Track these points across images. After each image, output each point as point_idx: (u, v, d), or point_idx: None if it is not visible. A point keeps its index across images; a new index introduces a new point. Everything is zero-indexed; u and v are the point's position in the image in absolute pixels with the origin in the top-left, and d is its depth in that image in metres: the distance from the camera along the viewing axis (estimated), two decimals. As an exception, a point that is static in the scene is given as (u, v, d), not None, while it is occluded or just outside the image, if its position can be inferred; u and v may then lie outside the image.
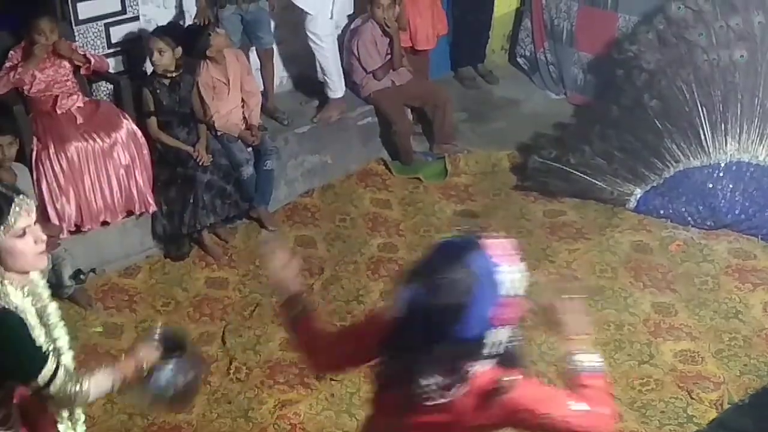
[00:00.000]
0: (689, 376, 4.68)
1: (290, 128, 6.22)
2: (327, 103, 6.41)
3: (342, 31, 6.66)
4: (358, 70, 6.50)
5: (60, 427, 2.91)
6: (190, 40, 5.52)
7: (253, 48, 6.20)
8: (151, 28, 5.59)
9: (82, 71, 5.35)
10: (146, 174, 5.38)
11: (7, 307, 2.59)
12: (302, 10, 6.09)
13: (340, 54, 6.41)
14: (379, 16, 6.31)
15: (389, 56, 6.48)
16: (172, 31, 5.44)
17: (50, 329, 2.79)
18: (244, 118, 5.82)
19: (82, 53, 5.29)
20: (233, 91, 5.73)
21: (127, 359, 2.81)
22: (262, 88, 6.22)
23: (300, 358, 3.27)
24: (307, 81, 6.69)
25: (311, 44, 6.19)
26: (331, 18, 6.18)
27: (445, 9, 7.08)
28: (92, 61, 5.31)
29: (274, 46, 6.25)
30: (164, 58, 5.37)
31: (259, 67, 6.22)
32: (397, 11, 6.35)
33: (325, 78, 6.33)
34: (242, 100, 5.81)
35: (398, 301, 2.30)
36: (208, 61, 5.64)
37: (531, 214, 6.09)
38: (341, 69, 6.40)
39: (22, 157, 5.00)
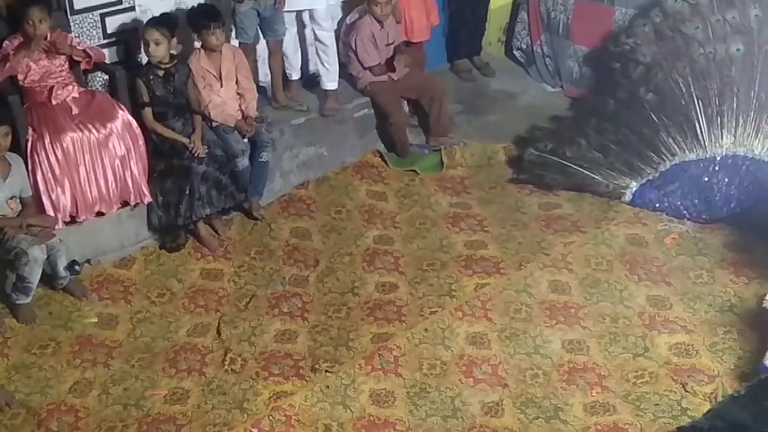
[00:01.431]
0: (684, 369, 4.69)
1: (286, 120, 6.21)
2: (325, 94, 6.41)
3: (338, 23, 6.68)
4: (355, 62, 6.49)
5: None
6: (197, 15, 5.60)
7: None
8: (146, 19, 5.56)
9: (83, 65, 5.32)
10: (141, 165, 5.37)
11: None
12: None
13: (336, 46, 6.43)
14: (377, 13, 6.30)
15: (389, 45, 6.47)
16: (167, 22, 5.42)
17: None
18: (241, 110, 5.81)
19: (81, 48, 5.26)
20: (226, 85, 5.72)
21: None
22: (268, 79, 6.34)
23: None
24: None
25: (321, 33, 6.22)
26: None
27: (438, 1, 7.08)
28: (92, 56, 5.29)
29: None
30: (160, 49, 5.35)
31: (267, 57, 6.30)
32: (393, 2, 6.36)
33: (327, 69, 6.33)
34: (239, 95, 5.81)
35: None
36: (202, 50, 5.64)
37: (526, 207, 6.09)
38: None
39: (18, 147, 4.99)
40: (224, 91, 5.72)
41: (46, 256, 4.87)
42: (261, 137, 5.81)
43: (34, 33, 5.03)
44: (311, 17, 6.23)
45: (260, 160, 5.80)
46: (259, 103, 6.06)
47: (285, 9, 6.00)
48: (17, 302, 4.90)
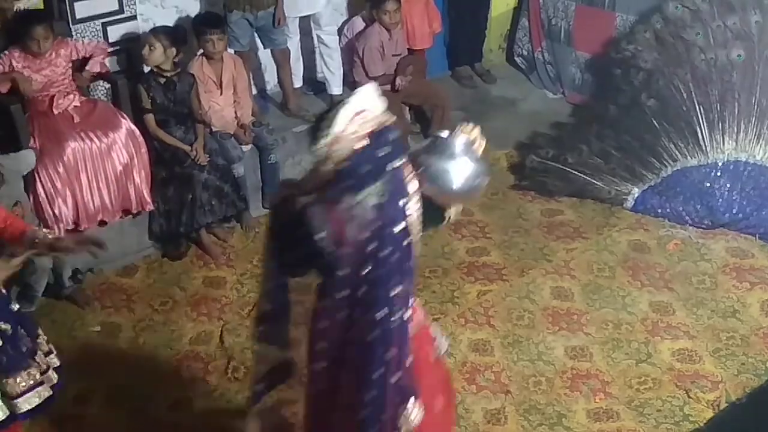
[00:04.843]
0: (687, 375, 4.69)
1: (288, 127, 6.22)
2: (332, 102, 6.41)
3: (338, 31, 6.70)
4: (360, 70, 6.49)
5: None
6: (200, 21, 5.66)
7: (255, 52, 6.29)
8: (148, 28, 5.58)
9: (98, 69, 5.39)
10: (144, 173, 5.37)
11: None
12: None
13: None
14: (386, 21, 6.31)
15: (395, 56, 6.49)
16: (170, 31, 5.43)
17: None
18: (237, 117, 5.84)
19: (93, 71, 5.32)
20: (225, 92, 5.74)
21: None
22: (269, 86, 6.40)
23: None
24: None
25: (325, 37, 6.29)
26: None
27: (439, 8, 7.09)
28: (104, 71, 5.37)
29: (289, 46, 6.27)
30: (153, 54, 5.34)
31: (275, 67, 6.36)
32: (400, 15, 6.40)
33: (332, 73, 6.38)
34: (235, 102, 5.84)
35: None
36: (204, 57, 5.65)
37: (528, 214, 6.09)
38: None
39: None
40: (223, 98, 5.74)
41: (49, 266, 4.87)
42: (265, 141, 5.85)
43: (38, 51, 5.04)
44: (314, 22, 6.28)
45: (269, 162, 5.88)
46: (261, 109, 6.09)
47: (287, 16, 6.02)
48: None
